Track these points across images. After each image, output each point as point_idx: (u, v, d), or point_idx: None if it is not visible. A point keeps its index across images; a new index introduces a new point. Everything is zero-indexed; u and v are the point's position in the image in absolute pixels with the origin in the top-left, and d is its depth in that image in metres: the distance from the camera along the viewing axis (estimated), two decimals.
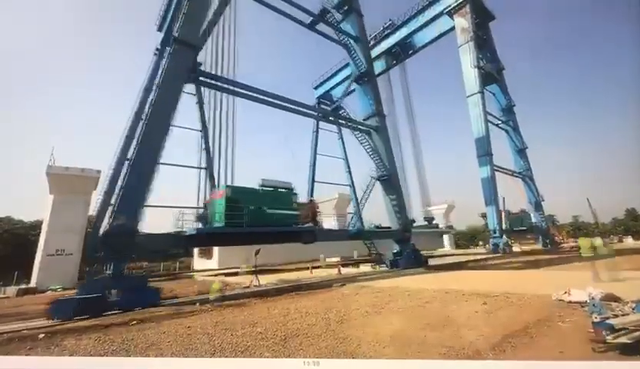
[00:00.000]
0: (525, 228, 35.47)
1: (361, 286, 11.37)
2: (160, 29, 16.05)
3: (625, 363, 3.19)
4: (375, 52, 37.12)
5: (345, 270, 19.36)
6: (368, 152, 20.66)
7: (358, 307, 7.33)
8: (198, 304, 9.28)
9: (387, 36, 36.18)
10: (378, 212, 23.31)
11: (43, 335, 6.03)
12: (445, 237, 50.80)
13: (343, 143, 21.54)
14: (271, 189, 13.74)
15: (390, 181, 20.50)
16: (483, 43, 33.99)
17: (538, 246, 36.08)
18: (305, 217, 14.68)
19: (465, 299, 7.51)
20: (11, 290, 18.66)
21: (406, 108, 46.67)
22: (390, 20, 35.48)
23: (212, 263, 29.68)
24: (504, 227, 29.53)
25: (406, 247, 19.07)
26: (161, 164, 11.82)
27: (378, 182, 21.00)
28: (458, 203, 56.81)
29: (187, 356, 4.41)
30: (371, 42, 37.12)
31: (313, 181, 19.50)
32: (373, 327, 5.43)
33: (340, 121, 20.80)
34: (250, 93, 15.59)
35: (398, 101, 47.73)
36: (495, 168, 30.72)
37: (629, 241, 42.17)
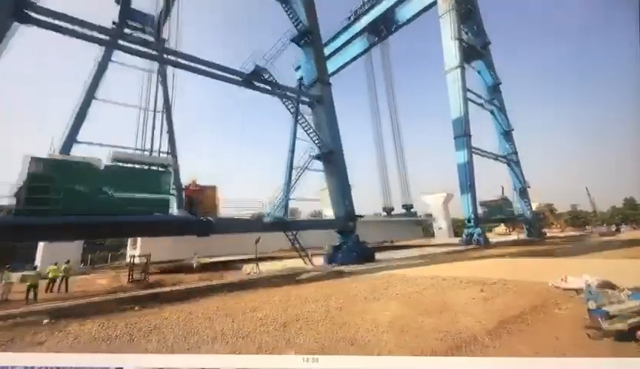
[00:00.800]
0: (504, 217, 32.73)
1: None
2: None
3: (622, 359, 3.22)
4: (355, 29, 35.63)
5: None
6: (303, 127, 17.71)
7: (356, 293, 7.43)
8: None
9: (367, 11, 33.69)
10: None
11: (47, 321, 6.13)
12: (443, 225, 50.06)
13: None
14: (127, 167, 10.72)
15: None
16: (468, 14, 30.78)
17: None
18: (188, 204, 12.19)
19: (462, 286, 7.60)
20: (16, 276, 18.89)
21: (386, 86, 45.83)
22: None
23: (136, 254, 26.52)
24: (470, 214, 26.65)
25: (349, 239, 16.43)
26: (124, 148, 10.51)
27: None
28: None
29: (188, 340, 4.48)
30: (351, 18, 35.61)
31: (291, 167, 17.17)
32: (371, 314, 5.51)
33: (265, 87, 16.83)
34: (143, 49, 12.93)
35: (394, 87, 46.83)
36: (475, 151, 28.27)
37: (624, 230, 39.12)
